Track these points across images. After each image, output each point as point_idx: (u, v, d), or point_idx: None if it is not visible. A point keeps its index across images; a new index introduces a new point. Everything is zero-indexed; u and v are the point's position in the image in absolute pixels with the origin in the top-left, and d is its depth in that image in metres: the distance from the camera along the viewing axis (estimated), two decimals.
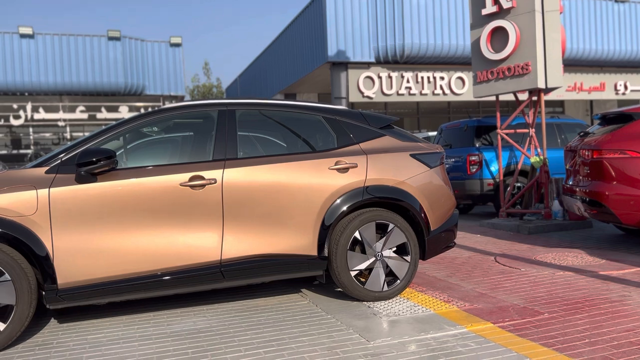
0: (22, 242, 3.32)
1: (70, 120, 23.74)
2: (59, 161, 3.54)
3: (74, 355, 3.24)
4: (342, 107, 4.48)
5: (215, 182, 3.76)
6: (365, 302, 4.11)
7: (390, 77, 17.63)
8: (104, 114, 23.75)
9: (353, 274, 4.06)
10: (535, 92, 8.02)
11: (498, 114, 8.48)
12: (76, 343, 3.47)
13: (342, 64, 17.13)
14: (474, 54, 8.30)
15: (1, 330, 3.28)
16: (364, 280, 4.13)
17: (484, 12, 8.04)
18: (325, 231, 4.00)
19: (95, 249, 3.49)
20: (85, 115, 23.61)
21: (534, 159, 7.97)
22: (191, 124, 4.13)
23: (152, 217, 3.61)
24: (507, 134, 8.47)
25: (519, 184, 8.93)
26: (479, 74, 8.24)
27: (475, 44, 8.23)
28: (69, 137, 24.53)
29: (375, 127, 4.41)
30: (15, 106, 22.75)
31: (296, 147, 4.21)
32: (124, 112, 24.04)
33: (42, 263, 3.37)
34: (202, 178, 3.73)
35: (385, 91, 17.57)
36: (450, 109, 20.72)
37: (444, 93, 18.33)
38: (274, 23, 66.79)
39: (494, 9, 7.89)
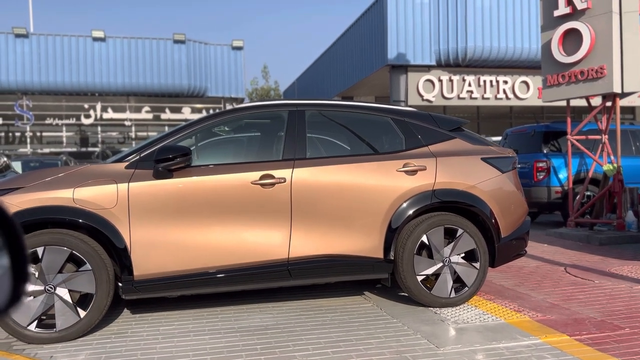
0: (102, 234, 3.47)
1: (136, 120, 24.74)
2: (138, 157, 3.68)
3: (147, 345, 3.35)
4: (411, 108, 4.43)
5: (285, 181, 3.80)
6: (432, 308, 4.03)
7: (451, 80, 17.31)
8: (167, 115, 24.61)
9: (419, 278, 3.99)
10: (609, 97, 7.65)
11: (569, 119, 8.15)
12: (149, 333, 3.58)
13: (401, 67, 16.98)
14: (544, 57, 8.02)
15: (81, 317, 3.43)
16: (429, 285, 4.06)
17: (556, 13, 7.75)
18: (392, 234, 3.95)
19: (170, 243, 3.59)
20: (150, 116, 24.54)
21: (607, 167, 7.60)
22: (261, 123, 4.19)
23: (224, 213, 3.68)
24: (577, 141, 8.12)
25: (588, 193, 8.54)
26: (549, 77, 7.96)
27: (546, 47, 7.95)
28: (134, 136, 25.56)
29: (445, 129, 4.33)
30: (86, 106, 23.95)
31: (364, 148, 4.19)
32: (186, 113, 24.81)
33: (120, 254, 3.51)
34: (272, 177, 3.78)
35: (446, 94, 17.27)
36: (513, 114, 20.11)
37: (507, 97, 17.83)
38: (335, 25, 67.06)
39: (567, 10, 7.59)
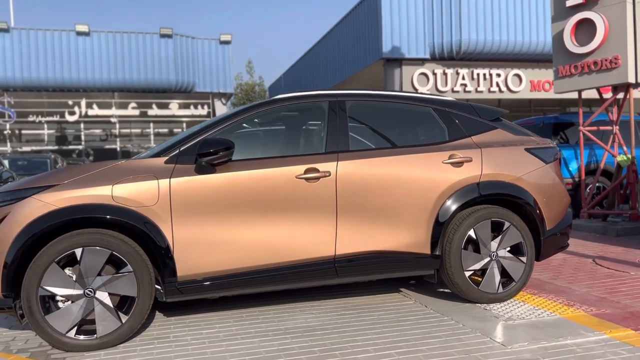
0: (144, 233, 3.26)
1: (122, 116, 24.23)
2: (178, 151, 3.47)
3: (197, 350, 3.16)
4: (451, 98, 4.29)
5: (330, 174, 3.62)
6: (479, 304, 3.91)
7: (445, 73, 17.26)
8: (154, 111, 24.16)
9: (467, 274, 3.86)
10: (622, 87, 7.62)
11: (580, 110, 8.10)
12: (193, 338, 3.38)
13: (396, 61, 16.87)
14: (556, 48, 7.95)
15: (123, 322, 3.22)
16: (476, 281, 3.93)
17: (569, 3, 7.68)
18: (438, 228, 3.81)
19: (214, 242, 3.40)
20: (136, 112, 24.07)
21: (620, 158, 7.57)
22: (300, 115, 4.01)
23: (269, 210, 3.50)
24: (589, 132, 8.08)
25: (598, 184, 8.52)
26: (561, 68, 7.89)
27: (558, 37, 7.88)
28: (117, 133, 25.03)
29: (486, 119, 4.20)
30: (70, 102, 23.36)
31: (407, 139, 4.04)
32: (174, 109, 24.39)
33: (162, 254, 3.30)
34: (316, 170, 3.60)
35: (440, 88, 17.21)
36: (501, 106, 20.14)
37: (500, 90, 17.84)
38: (321, 20, 66.57)
39: (580, 0, 7.52)
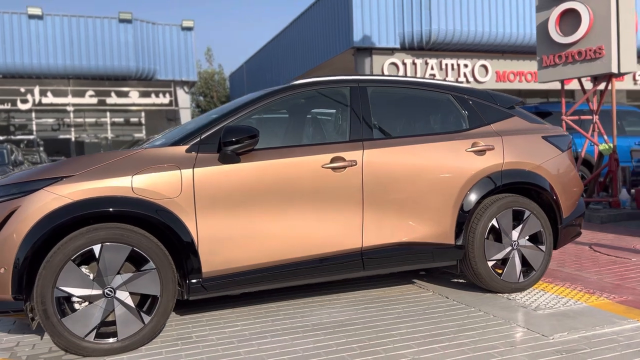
0: (167, 228, 3.02)
1: (78, 105, 23.21)
2: (199, 139, 3.23)
3: (228, 350, 2.96)
4: (469, 85, 4.21)
5: (356, 164, 3.48)
6: (502, 294, 3.86)
7: (414, 63, 17.32)
8: (113, 99, 23.25)
9: (490, 264, 3.81)
10: (604, 78, 7.77)
11: (563, 100, 8.23)
12: (218, 337, 3.19)
13: (366, 50, 16.78)
14: (540, 38, 8.03)
15: (145, 323, 2.98)
16: (498, 271, 3.89)
17: None
18: (463, 218, 3.74)
19: (239, 236, 3.20)
20: (94, 100, 23.09)
21: (602, 146, 7.75)
22: (320, 101, 3.83)
23: (294, 201, 3.33)
24: (571, 121, 8.22)
25: (579, 173, 8.70)
26: (545, 58, 7.98)
27: (542, 27, 7.96)
28: (72, 123, 24.00)
29: (503, 107, 4.14)
30: (22, 90, 22.16)
31: (428, 127, 3.95)
32: (134, 98, 23.54)
33: (187, 250, 3.07)
34: (343, 159, 3.45)
35: None
36: None
37: (467, 81, 18.05)
38: (286, 7, 65.47)
39: None
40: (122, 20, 21.95)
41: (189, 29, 23.62)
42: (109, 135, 24.78)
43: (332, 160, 3.43)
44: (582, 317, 3.33)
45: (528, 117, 4.22)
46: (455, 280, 4.35)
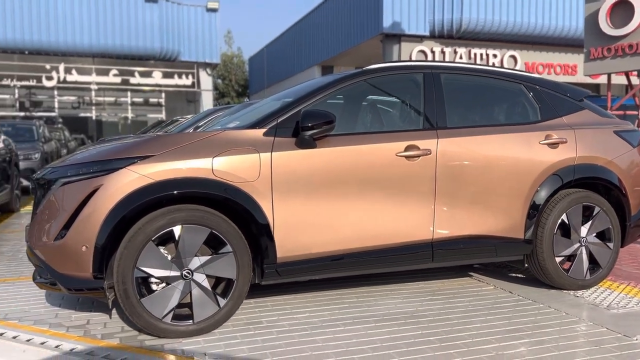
0: (246, 211, 2.98)
1: (102, 83, 23.26)
2: (275, 122, 3.17)
3: (304, 337, 2.93)
4: (540, 75, 4.10)
5: (430, 153, 3.40)
6: (569, 291, 3.79)
7: (443, 52, 17.12)
8: (137, 79, 23.27)
9: (558, 260, 3.73)
10: None
11: (609, 94, 8.06)
12: (290, 323, 3.15)
13: (395, 37, 16.61)
14: (588, 29, 7.85)
15: (221, 306, 2.96)
16: (565, 267, 3.81)
17: None
18: (533, 212, 3.65)
19: (313, 222, 3.15)
20: (118, 79, 23.13)
21: None
22: (392, 87, 3.75)
23: (367, 189, 3.27)
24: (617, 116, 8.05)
25: None
26: (593, 50, 7.80)
27: (591, 19, 7.77)
28: (93, 101, 24.09)
29: (574, 99, 4.03)
30: (48, 66, 22.24)
31: (500, 117, 3.85)
32: (157, 78, 23.55)
33: (263, 234, 3.03)
34: (417, 148, 3.37)
35: None
36: None
37: None
38: None
39: None
40: (148, 0, 21.87)
41: (214, 10, 23.51)
42: (129, 115, 24.86)
43: (407, 149, 3.35)
44: None
45: (598, 111, 4.11)
46: (514, 274, 4.28)
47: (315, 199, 3.15)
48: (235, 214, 3.01)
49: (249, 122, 3.27)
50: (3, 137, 8.63)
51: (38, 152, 11.50)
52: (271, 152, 3.06)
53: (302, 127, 3.07)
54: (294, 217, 3.10)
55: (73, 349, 2.76)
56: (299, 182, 3.10)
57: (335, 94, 3.46)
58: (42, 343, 2.83)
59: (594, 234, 3.84)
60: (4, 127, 13.80)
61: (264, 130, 3.13)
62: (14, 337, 2.92)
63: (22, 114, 22.76)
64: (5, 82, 22.14)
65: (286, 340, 2.90)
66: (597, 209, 3.81)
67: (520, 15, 17.04)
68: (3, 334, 2.98)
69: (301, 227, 3.12)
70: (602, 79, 13.43)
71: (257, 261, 3.11)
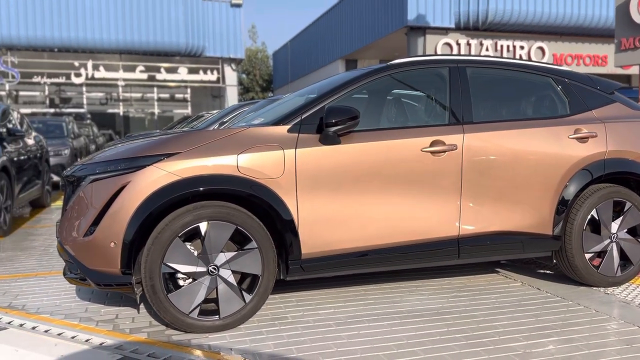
0: (270, 208, 2.99)
1: (129, 80, 23.61)
2: (299, 119, 3.18)
3: (329, 333, 2.94)
4: (569, 69, 4.01)
5: (456, 148, 3.36)
6: (600, 289, 3.71)
7: (469, 44, 16.88)
8: (163, 75, 23.55)
9: (587, 256, 3.66)
10: None
11: None
12: (315, 319, 3.16)
13: (420, 29, 16.44)
14: (619, 19, 7.64)
15: (246, 302, 2.98)
16: (595, 264, 3.73)
17: None
18: (562, 208, 3.58)
19: (337, 218, 3.15)
20: (144, 76, 23.44)
21: None
22: (417, 81, 3.71)
23: (392, 185, 3.25)
24: None
25: None
26: (624, 40, 7.59)
27: (623, 8, 7.55)
28: (120, 97, 24.45)
29: (604, 92, 3.94)
30: (76, 64, 22.67)
31: (528, 111, 3.78)
32: (182, 74, 23.79)
33: (287, 231, 3.04)
34: (443, 143, 3.34)
35: None
36: None
37: None
38: None
39: None
40: None
41: (238, 5, 23.62)
42: (156, 110, 25.19)
43: (432, 144, 3.32)
44: None
45: (629, 104, 4.00)
46: (542, 271, 4.21)
47: (340, 195, 3.14)
48: (260, 210, 3.03)
49: (273, 118, 3.29)
50: (34, 133, 8.85)
51: (68, 148, 11.74)
52: (295, 148, 3.07)
53: (326, 124, 3.07)
54: (318, 213, 3.10)
55: (102, 343, 2.83)
56: (323, 179, 3.10)
57: (359, 89, 3.45)
58: (73, 337, 2.90)
59: (625, 230, 3.75)
60: (35, 123, 14.15)
61: (288, 126, 3.14)
62: (46, 331, 3.00)
63: (52, 110, 23.29)
64: (35, 79, 22.64)
65: (311, 336, 2.91)
66: (628, 204, 3.72)
67: (547, 4, 16.68)
68: (35, 327, 3.06)
69: (325, 223, 3.12)
70: (634, 70, 13.07)
71: (281, 257, 3.13)
